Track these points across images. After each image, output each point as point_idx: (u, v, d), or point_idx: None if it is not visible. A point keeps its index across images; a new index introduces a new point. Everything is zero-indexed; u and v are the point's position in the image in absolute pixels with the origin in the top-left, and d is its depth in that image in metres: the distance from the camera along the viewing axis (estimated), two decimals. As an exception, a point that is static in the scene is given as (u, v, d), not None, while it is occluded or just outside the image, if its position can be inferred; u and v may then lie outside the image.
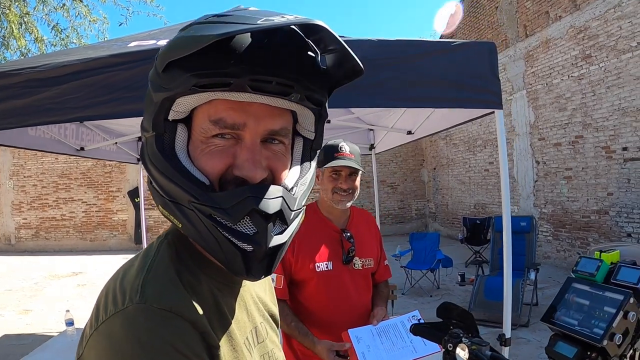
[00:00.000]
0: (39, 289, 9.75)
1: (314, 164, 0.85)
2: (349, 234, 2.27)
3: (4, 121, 2.56)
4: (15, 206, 16.19)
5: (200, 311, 0.69)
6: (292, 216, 0.74)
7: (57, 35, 8.48)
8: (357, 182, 2.26)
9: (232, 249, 0.68)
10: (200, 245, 0.72)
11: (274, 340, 0.95)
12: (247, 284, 0.89)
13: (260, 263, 0.71)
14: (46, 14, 8.34)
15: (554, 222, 9.89)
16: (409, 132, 4.93)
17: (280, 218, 0.72)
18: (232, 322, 0.78)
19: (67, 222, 16.15)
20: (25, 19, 7.72)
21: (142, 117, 0.76)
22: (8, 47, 8.14)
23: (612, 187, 8.29)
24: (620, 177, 8.10)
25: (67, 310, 4.22)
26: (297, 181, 0.79)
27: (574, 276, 1.77)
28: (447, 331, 1.49)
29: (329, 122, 4.68)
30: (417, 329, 1.60)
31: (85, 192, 16.19)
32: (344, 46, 0.70)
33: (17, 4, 7.60)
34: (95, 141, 5.22)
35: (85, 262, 13.10)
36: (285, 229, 0.74)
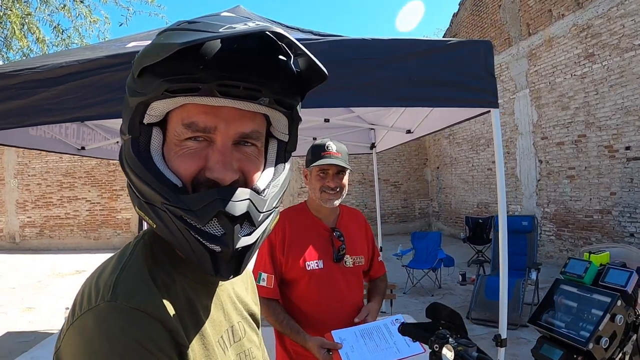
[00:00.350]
0: (42, 287, 9.79)
1: (288, 165, 0.87)
2: (339, 233, 2.29)
3: (3, 121, 2.58)
4: (20, 205, 16.25)
5: (171, 310, 0.70)
6: (260, 218, 0.76)
7: (58, 36, 8.52)
8: (345, 180, 2.27)
9: (201, 249, 0.70)
10: (174, 245, 0.75)
11: (252, 339, 0.97)
12: (225, 284, 0.91)
13: (228, 263, 0.73)
14: (48, 15, 8.38)
15: (557, 222, 9.86)
16: (408, 131, 4.92)
17: (248, 220, 0.74)
18: (206, 321, 0.80)
19: (71, 220, 16.21)
20: (27, 20, 7.73)
21: None
22: (10, 47, 8.17)
23: (615, 186, 8.26)
24: (623, 176, 8.07)
25: (67, 308, 4.24)
26: (269, 183, 0.80)
27: (562, 277, 1.77)
28: (434, 331, 1.50)
29: (327, 121, 4.68)
30: (405, 329, 1.61)
31: (89, 191, 16.25)
32: (305, 51, 0.72)
33: (18, 4, 7.62)
34: (97, 140, 5.23)
35: (89, 260, 13.11)
36: (254, 230, 0.75)
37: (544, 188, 10.28)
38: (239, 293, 0.99)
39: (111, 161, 14.91)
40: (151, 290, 0.70)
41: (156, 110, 0.74)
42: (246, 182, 0.76)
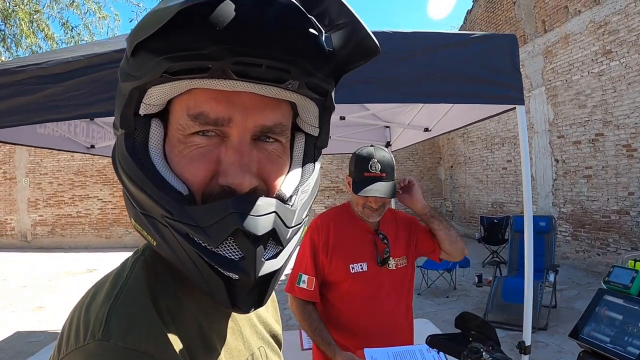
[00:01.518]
0: (53, 285, 9.77)
1: (318, 165, 0.71)
2: (382, 235, 2.20)
3: (9, 118, 2.51)
4: (32, 203, 16.32)
5: (179, 346, 0.56)
6: (289, 235, 0.61)
7: (67, 33, 8.50)
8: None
9: (214, 277, 0.56)
10: (179, 269, 0.60)
11: None
12: None
13: (249, 294, 0.59)
14: (58, 12, 8.36)
15: (573, 222, 9.67)
16: (426, 129, 4.80)
17: (274, 238, 0.59)
18: (222, 351, 0.66)
19: (82, 219, 16.25)
20: (36, 17, 7.71)
21: None
22: (19, 45, 8.14)
23: (633, 186, 8.07)
24: (643, 176, 7.89)
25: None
26: (296, 188, 0.65)
27: (605, 287, 1.63)
28: (466, 344, 1.39)
29: (343, 118, 4.57)
30: (434, 341, 1.50)
31: (101, 190, 16.27)
32: (356, 18, 0.56)
33: (27, 1, 7.60)
34: (107, 139, 5.15)
35: (100, 259, 13.14)
36: (281, 251, 0.60)
37: (560, 188, 10.10)
38: (259, 312, 0.84)
39: (122, 160, 14.90)
40: (153, 324, 0.55)
41: (155, 97, 0.59)
42: (268, 188, 0.62)
